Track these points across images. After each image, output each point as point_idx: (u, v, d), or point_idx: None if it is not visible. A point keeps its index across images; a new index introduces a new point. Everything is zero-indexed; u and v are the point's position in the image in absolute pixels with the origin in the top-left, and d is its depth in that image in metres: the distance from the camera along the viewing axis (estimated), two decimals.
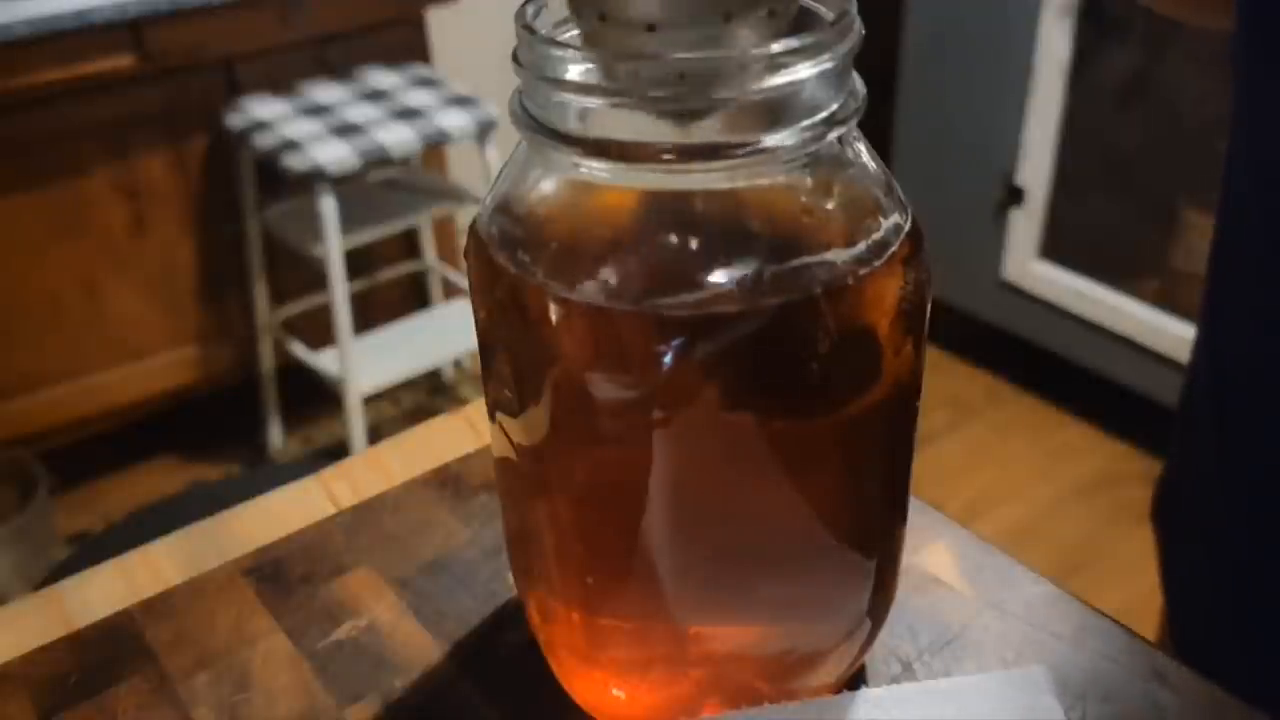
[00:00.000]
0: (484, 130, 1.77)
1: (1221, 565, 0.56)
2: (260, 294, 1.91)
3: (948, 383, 2.14)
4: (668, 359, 0.27)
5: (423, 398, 2.14)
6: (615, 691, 0.34)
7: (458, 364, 2.18)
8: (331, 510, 0.45)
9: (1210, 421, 0.55)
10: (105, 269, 1.81)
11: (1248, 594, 0.54)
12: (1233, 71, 0.50)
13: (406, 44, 1.97)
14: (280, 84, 1.83)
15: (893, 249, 0.29)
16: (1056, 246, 2.00)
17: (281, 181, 1.75)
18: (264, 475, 1.40)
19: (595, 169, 0.27)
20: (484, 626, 0.39)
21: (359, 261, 1.93)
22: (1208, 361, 0.55)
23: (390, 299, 2.07)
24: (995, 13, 1.94)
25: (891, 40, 2.12)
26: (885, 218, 0.29)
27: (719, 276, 0.27)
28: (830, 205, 0.29)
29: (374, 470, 0.46)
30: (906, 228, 0.30)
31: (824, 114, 0.27)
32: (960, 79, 2.04)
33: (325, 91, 1.82)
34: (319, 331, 1.90)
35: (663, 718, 0.33)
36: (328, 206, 1.67)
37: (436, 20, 2.04)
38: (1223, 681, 0.36)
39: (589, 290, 0.28)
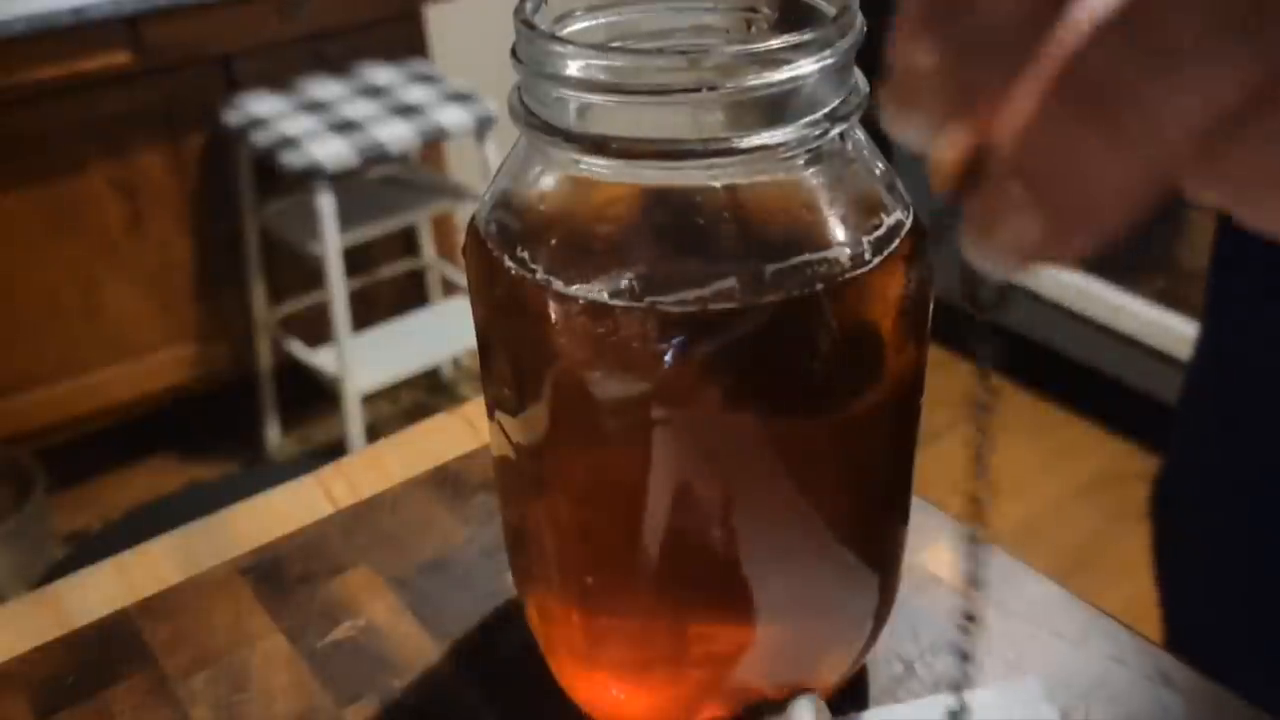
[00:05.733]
0: (483, 126, 1.77)
1: (1221, 561, 0.56)
2: (258, 292, 1.91)
3: (949, 381, 2.14)
4: (668, 357, 0.27)
5: (421, 396, 2.13)
6: (615, 692, 0.33)
7: (456, 362, 2.17)
8: (329, 509, 0.44)
9: (1213, 418, 0.55)
10: (102, 266, 1.80)
11: (1247, 589, 0.54)
12: None
13: (405, 40, 1.97)
14: (278, 80, 1.83)
15: (895, 246, 0.28)
16: None
17: (279, 178, 1.75)
18: (262, 474, 1.40)
19: (595, 165, 0.27)
20: (483, 626, 0.39)
21: (357, 259, 1.92)
22: (1212, 358, 0.55)
23: (389, 297, 2.07)
24: None
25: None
26: (887, 215, 0.29)
27: (720, 273, 0.27)
28: (832, 202, 0.29)
29: (372, 469, 0.46)
30: (909, 225, 0.29)
31: (826, 110, 0.27)
32: None
33: (323, 88, 1.82)
34: (317, 329, 1.90)
35: (662, 718, 0.33)
36: (326, 204, 1.66)
37: (435, 16, 2.04)
38: (1217, 676, 0.35)
39: (589, 287, 0.27)
